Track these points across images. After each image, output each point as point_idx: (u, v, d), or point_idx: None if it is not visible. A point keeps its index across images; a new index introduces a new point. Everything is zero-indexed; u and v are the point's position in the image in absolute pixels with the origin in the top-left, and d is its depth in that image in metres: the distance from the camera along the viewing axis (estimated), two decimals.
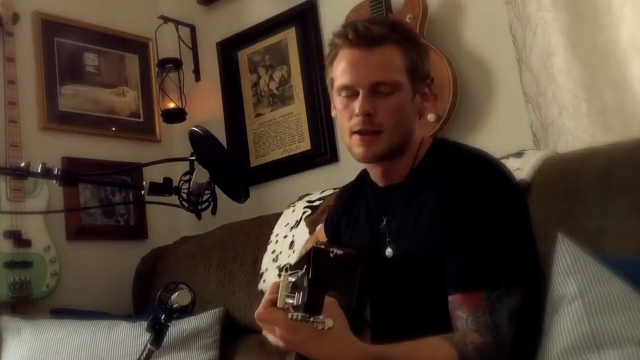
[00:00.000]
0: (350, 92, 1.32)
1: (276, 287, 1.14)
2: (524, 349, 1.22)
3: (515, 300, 1.19)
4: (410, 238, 1.32)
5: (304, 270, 0.98)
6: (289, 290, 1.02)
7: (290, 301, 1.00)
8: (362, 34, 1.30)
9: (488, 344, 1.15)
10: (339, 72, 1.34)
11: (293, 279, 1.02)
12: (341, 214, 1.53)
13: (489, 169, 1.30)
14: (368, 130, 1.31)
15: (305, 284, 0.96)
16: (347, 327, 1.07)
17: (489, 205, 1.24)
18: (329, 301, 1.02)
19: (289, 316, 0.97)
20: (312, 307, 0.94)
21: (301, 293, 0.96)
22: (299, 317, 0.95)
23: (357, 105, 1.30)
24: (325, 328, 0.95)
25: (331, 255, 1.02)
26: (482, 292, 1.18)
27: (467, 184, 1.26)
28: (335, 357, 1.06)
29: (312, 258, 0.97)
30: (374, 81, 1.30)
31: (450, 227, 1.24)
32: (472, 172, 1.28)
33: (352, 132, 1.33)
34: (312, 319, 0.95)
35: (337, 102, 1.37)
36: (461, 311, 1.19)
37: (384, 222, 1.38)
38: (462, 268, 1.21)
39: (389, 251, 1.35)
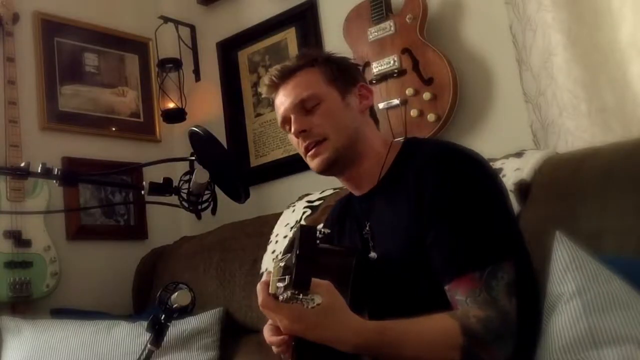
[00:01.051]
0: (289, 124, 1.41)
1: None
2: (524, 339, 1.23)
3: (509, 273, 1.20)
4: (392, 240, 1.33)
5: (292, 251, 0.98)
6: (280, 274, 1.02)
7: (281, 284, 1.00)
8: (274, 75, 1.42)
9: (492, 318, 1.15)
10: (277, 113, 1.45)
11: (283, 264, 1.02)
12: (333, 224, 1.55)
13: (454, 155, 1.32)
14: (312, 144, 1.38)
15: (294, 261, 0.96)
16: (345, 306, 1.08)
17: (458, 189, 1.25)
18: (325, 283, 1.03)
19: (280, 298, 0.98)
20: (299, 284, 0.95)
21: (290, 273, 0.96)
22: (289, 294, 0.95)
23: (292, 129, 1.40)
24: (315, 305, 0.95)
25: (319, 233, 1.02)
26: (473, 273, 1.19)
27: (434, 173, 1.27)
28: (338, 338, 1.07)
29: (299, 235, 0.97)
30: (296, 101, 1.39)
31: (427, 220, 1.25)
32: (438, 161, 1.30)
33: (305, 154, 1.41)
34: (300, 296, 0.95)
35: (290, 138, 1.46)
36: (459, 295, 1.20)
37: (367, 228, 1.40)
38: (448, 256, 1.22)
39: (373, 255, 1.37)
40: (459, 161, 1.30)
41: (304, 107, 1.38)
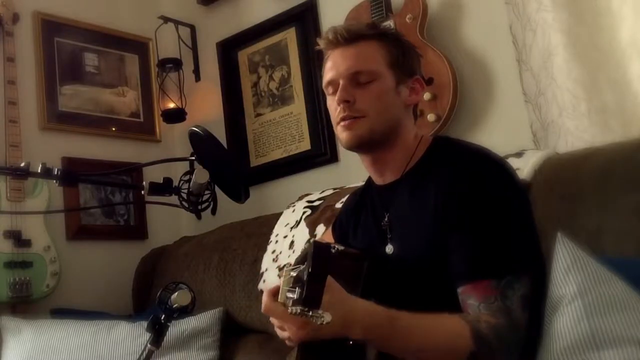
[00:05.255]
0: (334, 87, 1.38)
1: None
2: (525, 346, 1.23)
3: (526, 286, 1.20)
4: (412, 235, 1.32)
5: (305, 265, 0.98)
6: (290, 285, 1.02)
7: (291, 295, 1.00)
8: (340, 34, 1.37)
9: (504, 326, 1.15)
10: (325, 72, 1.41)
11: (294, 274, 1.02)
12: (349, 217, 1.55)
13: (488, 162, 1.31)
14: (350, 117, 1.35)
15: (305, 278, 0.96)
16: (348, 295, 1.09)
17: (490, 196, 1.25)
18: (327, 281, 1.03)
19: (289, 310, 0.98)
20: (310, 301, 0.95)
21: (301, 287, 0.97)
22: (298, 310, 0.95)
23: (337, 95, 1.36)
24: (324, 323, 0.96)
25: (332, 250, 1.02)
26: (491, 281, 1.19)
27: (467, 177, 1.27)
28: (349, 322, 1.07)
29: (312, 252, 0.98)
30: (352, 71, 1.35)
31: (453, 222, 1.25)
32: (472, 166, 1.29)
33: (337, 122, 1.37)
34: (310, 313, 0.95)
35: (328, 100, 1.42)
36: (472, 300, 1.20)
37: (386, 219, 1.39)
38: (469, 259, 1.22)
39: (389, 248, 1.36)
40: (492, 172, 1.29)
41: (356, 79, 1.35)
